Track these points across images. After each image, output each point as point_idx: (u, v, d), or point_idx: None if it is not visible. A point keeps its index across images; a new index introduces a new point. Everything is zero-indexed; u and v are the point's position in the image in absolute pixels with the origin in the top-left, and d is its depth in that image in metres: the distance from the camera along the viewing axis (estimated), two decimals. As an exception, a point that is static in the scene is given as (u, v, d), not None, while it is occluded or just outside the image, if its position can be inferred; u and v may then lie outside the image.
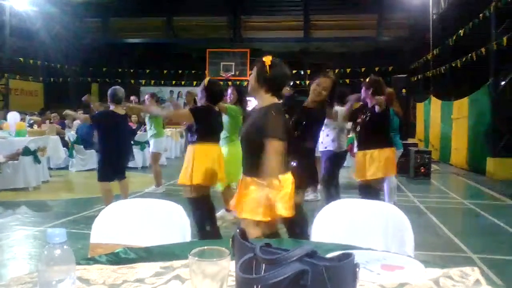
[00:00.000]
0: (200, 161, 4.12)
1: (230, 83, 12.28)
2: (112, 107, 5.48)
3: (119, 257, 1.33)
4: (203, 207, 4.13)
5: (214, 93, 4.25)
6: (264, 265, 0.74)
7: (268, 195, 2.46)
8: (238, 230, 0.86)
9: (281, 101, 2.68)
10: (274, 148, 2.41)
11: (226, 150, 4.96)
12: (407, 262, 1.27)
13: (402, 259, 1.32)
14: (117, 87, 5.63)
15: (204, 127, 4.15)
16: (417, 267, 1.22)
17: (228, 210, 5.23)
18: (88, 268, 1.23)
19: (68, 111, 6.96)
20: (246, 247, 0.78)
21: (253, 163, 2.52)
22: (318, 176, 6.25)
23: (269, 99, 2.56)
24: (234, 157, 4.70)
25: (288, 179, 2.58)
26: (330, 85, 3.75)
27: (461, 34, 10.70)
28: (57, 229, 0.93)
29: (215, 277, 0.88)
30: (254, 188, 2.54)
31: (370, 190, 4.57)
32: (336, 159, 5.34)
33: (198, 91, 4.39)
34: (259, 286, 0.74)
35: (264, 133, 2.43)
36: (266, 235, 2.53)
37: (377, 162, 4.50)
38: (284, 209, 2.51)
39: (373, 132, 4.57)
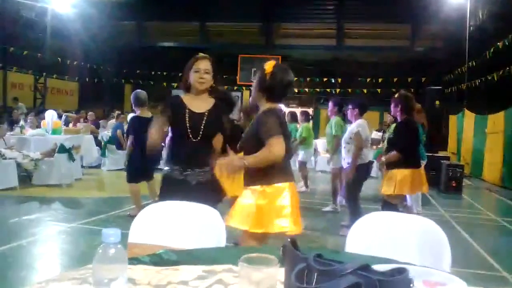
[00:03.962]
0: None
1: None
2: (137, 112, 5.54)
3: (161, 258, 1.37)
4: None
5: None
6: (316, 276, 0.75)
7: (260, 205, 2.39)
8: (289, 240, 0.88)
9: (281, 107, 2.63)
10: (275, 143, 2.34)
11: None
12: (449, 279, 1.26)
13: (442, 276, 1.30)
14: (138, 90, 5.68)
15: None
16: (460, 285, 1.21)
17: None
18: (132, 267, 1.26)
19: None
20: (298, 256, 0.80)
21: (251, 170, 2.43)
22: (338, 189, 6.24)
23: (267, 105, 2.53)
24: None
25: (284, 188, 2.45)
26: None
27: (500, 47, 10.45)
28: (112, 229, 0.96)
29: (262, 284, 0.90)
30: (246, 195, 2.48)
31: (388, 205, 4.51)
32: (358, 172, 5.22)
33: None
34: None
35: (262, 136, 2.38)
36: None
37: (393, 180, 4.42)
38: (283, 224, 2.38)
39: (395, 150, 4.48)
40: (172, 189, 2.70)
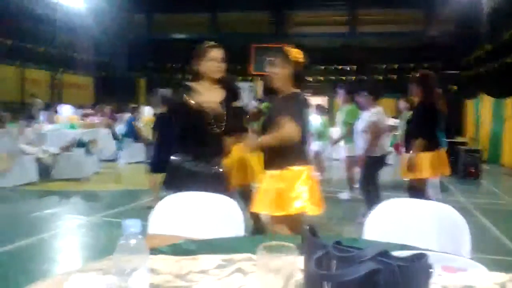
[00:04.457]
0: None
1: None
2: (163, 109, 5.69)
3: (181, 248, 1.39)
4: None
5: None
6: (335, 262, 0.76)
7: (280, 188, 2.47)
8: (308, 227, 0.88)
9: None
10: (287, 123, 2.40)
11: None
12: (469, 265, 1.25)
13: (463, 261, 1.30)
14: (163, 90, 5.93)
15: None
16: (480, 270, 1.20)
17: None
18: (152, 257, 1.28)
19: None
20: (317, 244, 0.80)
21: (271, 155, 2.55)
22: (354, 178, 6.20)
23: (291, 90, 2.61)
24: None
25: (302, 171, 2.54)
26: None
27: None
28: (133, 220, 0.97)
29: (281, 272, 0.90)
30: (266, 179, 2.57)
31: (415, 192, 4.43)
32: (374, 161, 5.15)
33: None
34: (330, 283, 0.76)
35: (278, 116, 2.45)
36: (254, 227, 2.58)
37: (414, 164, 4.33)
38: (301, 205, 2.47)
39: (414, 133, 4.40)
40: (180, 180, 2.69)
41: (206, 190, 2.08)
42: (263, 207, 2.55)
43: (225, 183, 2.79)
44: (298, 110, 2.51)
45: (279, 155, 2.50)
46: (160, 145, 5.61)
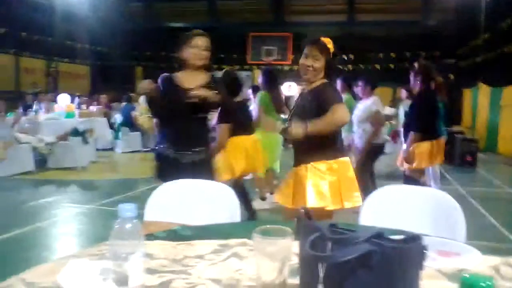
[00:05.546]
0: (238, 153, 4.23)
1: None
2: None
3: (177, 234, 1.39)
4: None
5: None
6: (330, 244, 0.76)
7: (332, 181, 2.43)
8: (303, 210, 0.88)
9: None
10: (340, 108, 2.36)
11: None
12: (463, 249, 1.26)
13: (457, 246, 1.30)
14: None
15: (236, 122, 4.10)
16: (474, 254, 1.21)
17: (263, 199, 5.27)
18: (149, 243, 1.29)
19: None
20: (313, 226, 0.80)
21: (310, 147, 2.44)
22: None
23: (322, 81, 2.55)
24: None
25: (348, 161, 2.55)
26: None
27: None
28: (128, 204, 0.97)
29: (277, 255, 0.91)
30: (311, 173, 2.47)
31: (409, 180, 4.44)
32: (374, 149, 5.12)
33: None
34: (324, 265, 0.76)
35: (325, 104, 2.39)
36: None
37: (411, 153, 4.34)
38: (358, 196, 2.47)
39: (413, 124, 4.38)
40: (166, 168, 2.70)
41: (189, 178, 2.06)
42: (315, 201, 2.41)
43: (210, 172, 2.75)
44: (341, 96, 2.50)
45: (325, 147, 2.45)
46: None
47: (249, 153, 4.38)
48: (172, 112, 2.67)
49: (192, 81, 2.69)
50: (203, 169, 2.66)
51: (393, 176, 6.64)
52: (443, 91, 4.95)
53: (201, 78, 2.73)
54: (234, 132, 4.10)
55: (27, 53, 15.21)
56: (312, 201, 2.40)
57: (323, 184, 2.43)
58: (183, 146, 2.70)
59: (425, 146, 4.29)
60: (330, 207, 2.42)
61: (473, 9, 13.42)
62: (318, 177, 2.44)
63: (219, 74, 4.08)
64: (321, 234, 0.77)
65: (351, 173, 2.53)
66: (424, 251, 0.73)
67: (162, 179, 2.73)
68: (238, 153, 4.27)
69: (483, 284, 0.64)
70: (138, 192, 5.86)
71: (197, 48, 2.67)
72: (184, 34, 2.74)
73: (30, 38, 14.32)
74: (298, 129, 2.35)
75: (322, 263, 0.76)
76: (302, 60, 2.53)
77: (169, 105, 2.67)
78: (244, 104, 4.71)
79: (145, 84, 2.61)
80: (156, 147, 2.83)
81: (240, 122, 4.21)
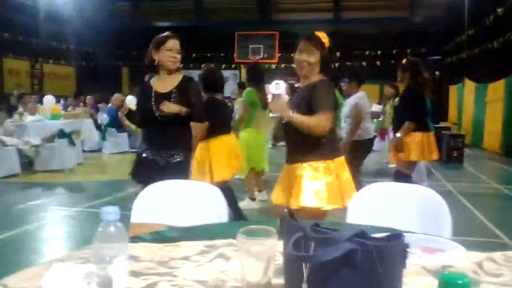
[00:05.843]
0: (219, 155, 4.16)
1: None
2: None
3: (163, 236, 1.38)
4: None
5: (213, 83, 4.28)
6: (313, 244, 0.76)
7: (328, 182, 2.40)
8: (286, 210, 0.88)
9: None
10: (326, 117, 2.34)
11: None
12: (448, 245, 1.27)
13: (442, 242, 1.32)
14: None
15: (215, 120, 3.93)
16: (459, 250, 1.22)
17: (252, 199, 5.25)
18: (134, 245, 1.28)
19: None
20: (296, 226, 0.80)
21: (304, 146, 2.42)
22: None
23: (319, 76, 2.51)
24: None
25: (344, 161, 2.53)
26: None
27: (500, 13, 10.30)
28: (111, 206, 0.96)
29: (262, 256, 0.91)
30: (308, 172, 2.43)
31: (400, 177, 4.47)
32: (362, 147, 5.16)
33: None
34: (308, 265, 0.76)
35: (314, 105, 2.37)
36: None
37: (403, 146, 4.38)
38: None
39: (404, 117, 4.43)
40: (143, 169, 2.73)
41: (163, 180, 2.05)
42: (311, 201, 2.38)
43: (184, 173, 2.74)
44: (332, 101, 2.43)
45: (323, 146, 2.42)
46: None
47: (237, 153, 4.39)
48: (147, 117, 2.72)
49: (166, 85, 2.72)
50: (178, 171, 2.64)
51: (381, 174, 6.69)
52: (428, 88, 5.01)
53: (174, 80, 2.75)
54: (215, 131, 4.01)
55: (10, 54, 15.02)
56: (307, 201, 2.38)
57: (319, 184, 2.40)
58: (160, 148, 2.72)
59: (416, 136, 4.35)
60: (326, 207, 2.40)
61: (459, 5, 13.55)
62: (314, 177, 2.42)
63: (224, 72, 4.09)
64: (304, 233, 0.77)
65: (347, 173, 2.51)
66: (406, 249, 0.74)
67: (136, 179, 2.76)
68: (227, 153, 4.25)
69: (460, 282, 0.65)
70: (126, 194, 5.81)
71: (171, 51, 2.68)
72: (157, 37, 2.75)
73: (13, 38, 14.12)
74: (279, 105, 2.39)
75: (305, 263, 0.76)
76: (296, 55, 2.50)
77: (142, 113, 2.73)
78: (224, 103, 4.70)
79: (175, 107, 2.63)
80: (139, 148, 2.85)
81: (220, 122, 4.16)
